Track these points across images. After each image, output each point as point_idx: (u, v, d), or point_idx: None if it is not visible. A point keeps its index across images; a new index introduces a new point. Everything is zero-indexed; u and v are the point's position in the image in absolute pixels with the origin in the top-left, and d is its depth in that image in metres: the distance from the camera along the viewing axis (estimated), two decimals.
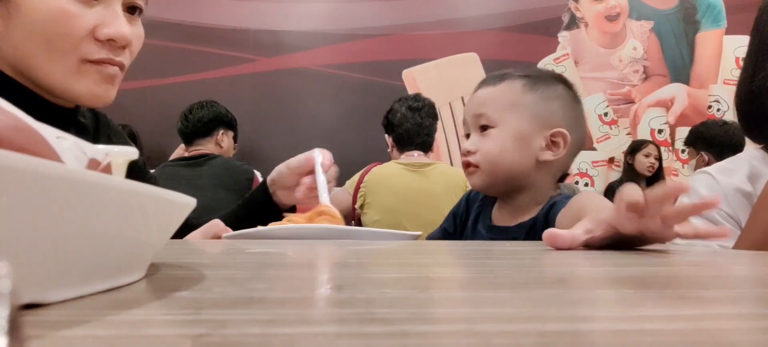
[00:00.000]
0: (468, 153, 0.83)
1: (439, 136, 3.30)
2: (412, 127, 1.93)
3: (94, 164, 0.26)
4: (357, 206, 1.89)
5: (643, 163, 2.97)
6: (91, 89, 0.64)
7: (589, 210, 0.59)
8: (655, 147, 3.02)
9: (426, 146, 1.96)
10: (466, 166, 0.84)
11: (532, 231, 0.79)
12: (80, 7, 0.61)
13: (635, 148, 3.03)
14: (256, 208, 0.89)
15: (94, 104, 0.66)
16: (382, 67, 3.30)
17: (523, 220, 0.82)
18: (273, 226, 0.72)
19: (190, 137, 2.15)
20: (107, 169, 0.27)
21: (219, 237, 0.76)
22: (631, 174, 3.00)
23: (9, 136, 0.20)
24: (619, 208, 0.46)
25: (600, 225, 0.48)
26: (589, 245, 0.49)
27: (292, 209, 0.91)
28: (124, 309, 0.21)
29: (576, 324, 0.20)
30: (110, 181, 0.22)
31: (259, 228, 0.72)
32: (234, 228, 0.76)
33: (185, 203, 0.28)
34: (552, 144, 0.82)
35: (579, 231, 0.49)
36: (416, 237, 0.77)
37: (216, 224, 0.78)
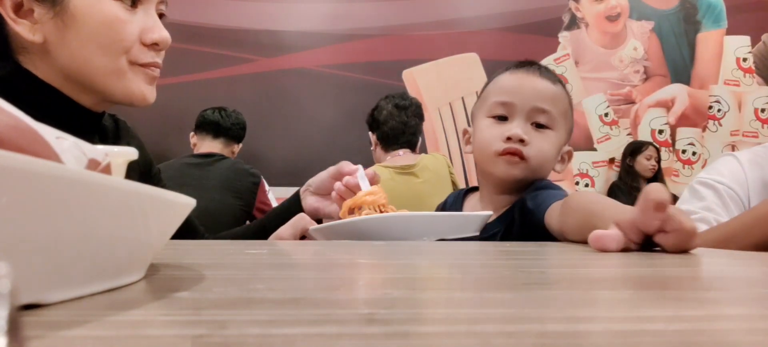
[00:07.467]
0: (520, 141, 0.76)
1: (439, 137, 3.31)
2: (397, 125, 1.88)
3: (93, 164, 0.26)
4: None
5: (645, 165, 2.99)
6: (142, 89, 0.69)
7: (601, 209, 0.57)
8: (655, 149, 3.05)
9: (411, 145, 1.91)
10: (511, 153, 0.76)
11: (510, 226, 0.78)
12: (128, 14, 0.66)
13: (635, 149, 3.06)
14: (284, 216, 0.84)
15: (142, 103, 0.70)
16: (382, 67, 3.30)
17: (498, 214, 0.81)
18: (361, 217, 0.70)
19: (219, 131, 2.16)
20: (107, 169, 0.27)
21: (306, 230, 0.76)
22: (630, 175, 3.02)
23: (9, 136, 0.20)
24: (645, 207, 0.45)
25: (631, 228, 0.47)
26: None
27: (319, 222, 0.87)
28: (124, 310, 0.21)
29: (576, 325, 0.20)
30: (110, 182, 0.22)
31: (348, 219, 0.70)
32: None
33: (185, 203, 0.28)
34: (561, 160, 0.85)
35: (620, 234, 0.47)
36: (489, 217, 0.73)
37: (302, 218, 0.78)
